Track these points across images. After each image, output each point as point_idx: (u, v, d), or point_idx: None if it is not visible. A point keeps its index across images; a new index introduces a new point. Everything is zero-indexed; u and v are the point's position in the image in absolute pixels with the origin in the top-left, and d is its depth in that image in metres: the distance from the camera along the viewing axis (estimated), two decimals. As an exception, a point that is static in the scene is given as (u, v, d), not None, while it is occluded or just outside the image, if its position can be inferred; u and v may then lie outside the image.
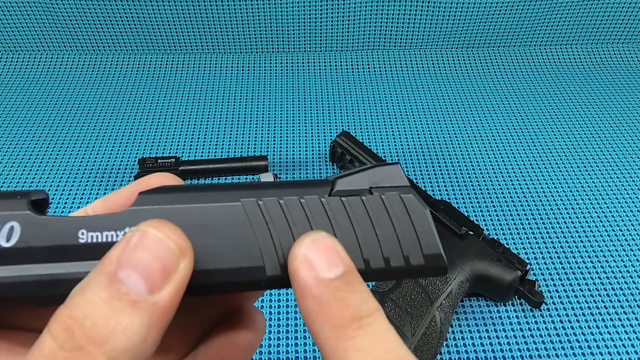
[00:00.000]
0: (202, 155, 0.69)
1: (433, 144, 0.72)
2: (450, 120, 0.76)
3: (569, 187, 0.66)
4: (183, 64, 0.85)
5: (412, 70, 0.85)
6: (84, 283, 0.14)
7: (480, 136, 0.73)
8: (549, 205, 0.64)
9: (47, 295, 0.15)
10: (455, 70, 0.86)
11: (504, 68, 0.86)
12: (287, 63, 0.86)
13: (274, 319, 0.52)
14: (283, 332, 0.51)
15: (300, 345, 0.50)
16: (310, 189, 0.17)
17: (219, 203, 0.16)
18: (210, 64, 0.86)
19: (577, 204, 0.64)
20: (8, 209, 0.15)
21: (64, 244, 0.15)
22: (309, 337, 0.50)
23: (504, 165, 0.69)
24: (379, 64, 0.86)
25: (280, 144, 0.72)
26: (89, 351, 0.13)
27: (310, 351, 0.49)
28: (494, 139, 0.73)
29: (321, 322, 0.15)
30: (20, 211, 0.15)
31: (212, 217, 0.16)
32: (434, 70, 0.86)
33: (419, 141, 0.72)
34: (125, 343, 0.13)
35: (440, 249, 0.17)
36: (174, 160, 0.64)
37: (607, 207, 0.64)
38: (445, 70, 0.86)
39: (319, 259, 0.16)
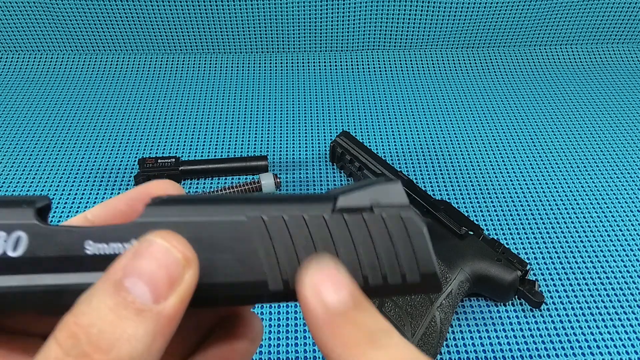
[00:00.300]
0: (202, 155, 0.69)
1: (433, 144, 0.72)
2: (450, 120, 0.76)
3: (569, 187, 0.66)
4: (183, 64, 0.85)
5: (412, 70, 0.85)
6: (91, 291, 0.14)
7: (480, 136, 0.73)
8: (549, 205, 0.64)
9: (53, 305, 0.15)
10: (455, 70, 0.86)
11: (504, 68, 0.86)
12: (287, 63, 0.86)
13: (274, 319, 0.52)
14: (283, 332, 0.51)
15: (300, 345, 0.50)
16: (313, 205, 0.18)
17: (224, 218, 0.17)
18: (210, 64, 0.86)
19: (577, 204, 0.64)
20: (15, 218, 0.15)
21: (71, 255, 0.15)
22: (309, 337, 0.50)
23: (504, 165, 0.69)
24: (379, 64, 0.86)
25: (280, 144, 0.72)
26: (94, 358, 0.13)
27: (310, 351, 0.49)
28: (494, 139, 0.73)
29: (334, 344, 0.15)
30: (27, 221, 0.15)
31: (218, 232, 0.16)
32: (434, 70, 0.86)
33: (419, 141, 0.72)
34: (130, 351, 0.13)
35: (435, 268, 0.18)
36: (174, 160, 0.64)
37: (607, 207, 0.64)
38: (445, 70, 0.86)
39: (325, 285, 0.16)
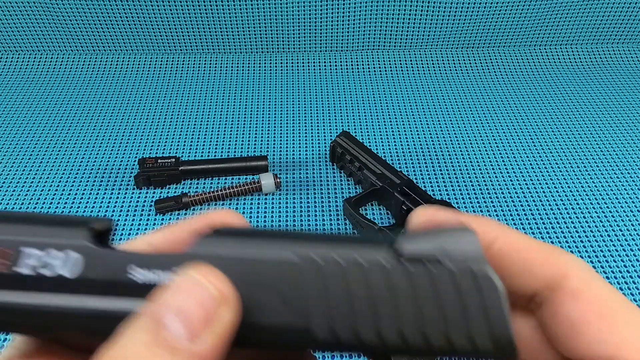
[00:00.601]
0: (202, 155, 0.69)
1: (433, 144, 0.72)
2: (450, 120, 0.76)
3: (569, 187, 0.66)
4: (183, 64, 0.85)
5: (412, 70, 0.85)
6: (130, 323, 0.14)
7: (480, 136, 0.73)
8: (549, 205, 0.64)
9: (96, 329, 0.15)
10: (455, 70, 0.86)
11: (504, 68, 0.86)
12: (287, 63, 0.86)
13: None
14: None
15: (300, 345, 0.50)
16: (373, 250, 0.16)
17: (274, 256, 0.16)
18: (210, 64, 0.86)
19: (577, 204, 0.64)
20: (70, 238, 0.15)
21: (117, 280, 0.15)
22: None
23: (504, 165, 0.69)
24: (379, 64, 0.86)
25: (280, 144, 0.72)
26: None
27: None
28: (494, 139, 0.73)
29: None
30: (81, 242, 0.15)
31: (266, 270, 0.16)
32: (434, 70, 0.86)
33: (419, 141, 0.72)
34: None
35: (511, 335, 0.16)
36: (174, 160, 0.64)
37: (607, 207, 0.64)
38: (445, 70, 0.86)
39: None
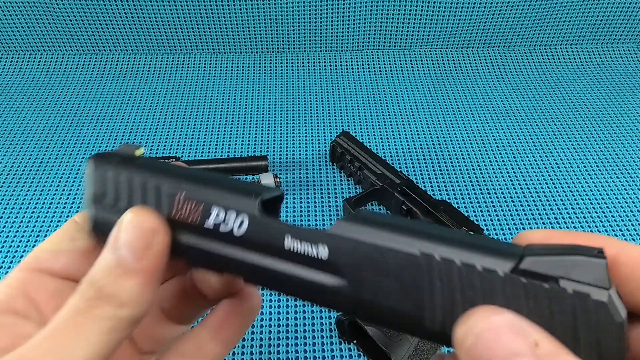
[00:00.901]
0: (202, 155, 0.70)
1: (433, 144, 0.72)
2: (450, 120, 0.76)
3: (569, 187, 0.66)
4: (183, 64, 0.85)
5: (412, 70, 0.85)
6: (103, 254, 0.19)
7: (480, 136, 0.73)
8: (549, 205, 0.64)
9: (250, 277, 0.20)
10: (455, 70, 0.86)
11: (504, 68, 0.86)
12: (287, 63, 0.86)
13: (274, 319, 0.52)
14: (283, 332, 0.51)
15: (301, 345, 0.50)
16: (493, 257, 0.16)
17: (400, 247, 0.17)
18: (210, 64, 0.86)
19: (577, 204, 0.64)
20: (244, 206, 0.19)
21: (274, 245, 0.19)
22: (309, 337, 0.50)
23: (504, 165, 0.69)
24: (379, 64, 0.86)
25: (280, 144, 0.72)
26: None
27: (310, 351, 0.49)
28: (494, 139, 0.73)
29: None
30: (251, 210, 0.19)
31: (391, 258, 0.18)
32: (434, 70, 0.86)
33: (419, 141, 0.72)
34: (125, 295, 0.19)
35: None
36: (174, 160, 0.64)
37: (607, 207, 0.64)
38: (445, 70, 0.86)
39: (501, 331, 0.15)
